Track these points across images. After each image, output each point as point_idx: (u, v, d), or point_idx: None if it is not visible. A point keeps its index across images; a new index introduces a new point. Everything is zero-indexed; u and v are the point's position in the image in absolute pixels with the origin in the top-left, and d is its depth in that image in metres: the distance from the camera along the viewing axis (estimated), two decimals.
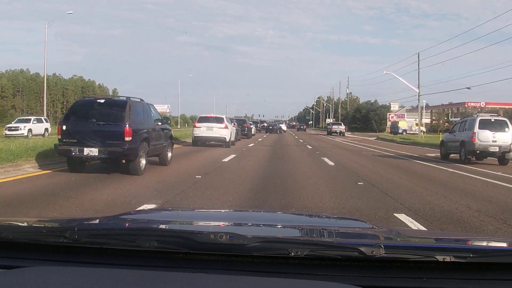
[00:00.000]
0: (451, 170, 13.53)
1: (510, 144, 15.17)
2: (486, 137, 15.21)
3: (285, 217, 2.90)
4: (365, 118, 78.88)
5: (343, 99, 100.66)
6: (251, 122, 46.38)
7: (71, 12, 43.55)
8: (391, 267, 1.44)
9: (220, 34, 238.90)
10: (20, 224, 1.86)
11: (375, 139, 44.33)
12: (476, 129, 15.36)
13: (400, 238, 1.96)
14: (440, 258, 1.41)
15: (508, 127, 15.55)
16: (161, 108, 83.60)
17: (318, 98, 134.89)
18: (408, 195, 8.16)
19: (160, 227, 1.97)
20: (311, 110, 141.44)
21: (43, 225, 1.85)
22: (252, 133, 39.55)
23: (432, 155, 19.94)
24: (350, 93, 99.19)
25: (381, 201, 7.44)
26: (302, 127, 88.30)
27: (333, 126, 55.87)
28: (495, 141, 15.30)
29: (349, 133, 62.38)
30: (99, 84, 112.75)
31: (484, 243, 1.87)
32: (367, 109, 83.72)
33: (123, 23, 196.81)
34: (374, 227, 2.24)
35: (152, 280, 1.30)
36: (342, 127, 54.45)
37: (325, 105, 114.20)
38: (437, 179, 11.29)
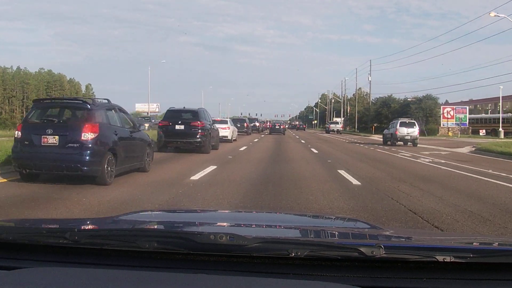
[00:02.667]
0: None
1: (417, 135, 28.32)
2: (403, 131, 28.00)
3: (285, 217, 2.90)
4: (401, 113, 55.49)
5: (364, 92, 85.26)
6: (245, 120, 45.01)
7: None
8: (391, 268, 1.44)
9: (221, 34, 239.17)
10: (20, 225, 1.87)
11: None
12: (398, 126, 28.22)
13: (400, 239, 1.96)
14: (440, 258, 1.41)
15: (416, 126, 28.91)
16: (150, 107, 79.15)
17: (322, 95, 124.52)
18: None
19: (160, 227, 1.97)
20: (314, 108, 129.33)
21: (43, 226, 1.85)
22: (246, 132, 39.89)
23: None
24: (360, 88, 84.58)
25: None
26: (301, 126, 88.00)
27: (331, 125, 65.60)
28: (408, 133, 27.87)
29: (361, 134, 54.62)
30: (70, 79, 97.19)
31: (484, 244, 1.88)
32: (403, 103, 61.26)
33: (123, 23, 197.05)
34: (374, 227, 2.25)
35: (152, 281, 1.30)
36: (339, 126, 65.57)
37: (333, 100, 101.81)
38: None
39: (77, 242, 1.52)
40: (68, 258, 1.53)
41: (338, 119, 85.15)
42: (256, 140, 31.18)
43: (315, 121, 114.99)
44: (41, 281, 1.28)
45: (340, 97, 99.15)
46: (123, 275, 1.37)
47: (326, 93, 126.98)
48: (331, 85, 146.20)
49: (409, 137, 27.70)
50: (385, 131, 31.02)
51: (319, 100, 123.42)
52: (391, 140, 28.72)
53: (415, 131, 28.13)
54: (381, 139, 31.56)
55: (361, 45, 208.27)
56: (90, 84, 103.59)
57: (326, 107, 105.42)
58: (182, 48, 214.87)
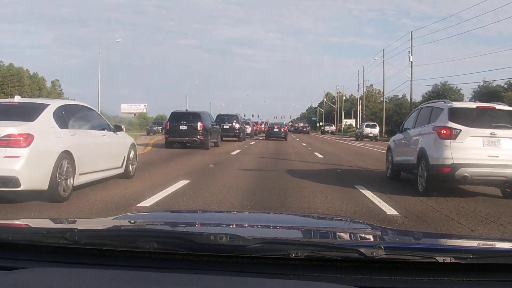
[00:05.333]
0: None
1: (377, 133, 42.53)
2: (367, 130, 42.00)
3: (285, 218, 2.90)
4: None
5: (375, 90, 79.09)
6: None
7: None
8: (391, 268, 1.44)
9: (221, 36, 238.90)
10: (20, 225, 1.87)
11: None
12: (364, 127, 43.29)
13: (400, 239, 1.96)
14: (440, 259, 1.41)
15: (376, 127, 43.69)
16: (137, 108, 77.84)
17: (327, 93, 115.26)
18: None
19: (160, 228, 1.97)
20: (319, 108, 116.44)
21: (43, 226, 1.85)
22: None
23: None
24: (371, 85, 78.30)
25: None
26: (304, 128, 71.91)
27: (326, 127, 72.84)
28: (371, 132, 41.88)
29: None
30: (34, 74, 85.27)
31: (485, 244, 1.87)
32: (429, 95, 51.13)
33: (123, 26, 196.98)
34: (374, 227, 2.25)
35: (151, 281, 1.30)
36: (332, 127, 72.54)
37: (344, 98, 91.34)
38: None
39: (77, 242, 1.51)
40: (68, 258, 1.53)
41: (350, 120, 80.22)
42: (236, 152, 18.85)
43: (321, 123, 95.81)
44: (41, 282, 1.28)
45: (345, 96, 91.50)
46: (122, 275, 1.37)
47: (330, 92, 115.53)
48: (331, 87, 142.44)
49: (372, 135, 41.93)
50: (358, 130, 46.87)
51: (325, 99, 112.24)
52: (360, 136, 42.65)
53: (375, 130, 42.92)
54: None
55: (362, 47, 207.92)
56: (58, 80, 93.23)
57: (335, 106, 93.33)
58: (182, 50, 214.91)
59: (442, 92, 51.96)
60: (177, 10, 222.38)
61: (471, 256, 1.43)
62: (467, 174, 7.39)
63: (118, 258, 1.52)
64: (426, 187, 7.76)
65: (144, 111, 79.91)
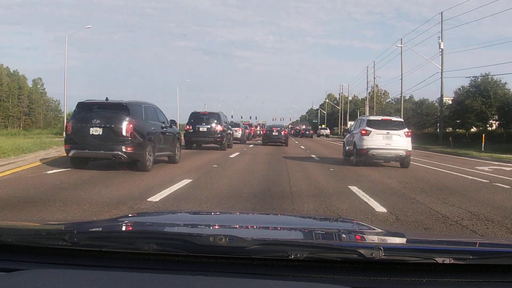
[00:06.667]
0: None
1: (329, 133, 74.71)
2: (321, 131, 73.88)
3: (284, 219, 2.90)
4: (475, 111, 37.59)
5: (381, 91, 68.96)
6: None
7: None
8: (390, 269, 1.44)
9: (220, 39, 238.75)
10: (19, 226, 1.87)
11: None
12: (319, 130, 76.57)
13: (399, 240, 1.97)
14: (439, 260, 1.42)
15: (327, 129, 79.04)
16: None
17: (329, 94, 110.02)
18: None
19: (159, 229, 1.97)
20: (320, 110, 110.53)
21: (42, 228, 1.85)
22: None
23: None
24: (377, 85, 64.68)
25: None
26: (307, 132, 64.08)
27: (321, 130, 76.44)
28: (324, 132, 73.14)
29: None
30: (14, 71, 79.88)
31: (484, 245, 1.87)
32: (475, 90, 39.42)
33: (123, 27, 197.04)
34: (374, 229, 2.25)
35: (151, 283, 1.30)
36: (327, 131, 76.06)
37: (351, 98, 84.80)
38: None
39: (76, 244, 1.51)
40: (67, 260, 1.52)
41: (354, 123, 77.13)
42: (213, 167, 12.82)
43: (323, 125, 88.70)
44: (41, 283, 1.28)
45: (349, 97, 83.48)
46: (122, 277, 1.37)
47: (332, 93, 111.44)
48: (331, 89, 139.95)
49: (325, 134, 69.86)
50: (317, 131, 72.81)
51: (327, 99, 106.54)
52: (319, 135, 68.47)
53: (327, 130, 73.21)
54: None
55: (361, 50, 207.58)
56: (41, 79, 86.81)
57: (338, 107, 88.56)
58: (182, 52, 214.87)
59: (484, 87, 38.88)
60: (176, 12, 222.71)
61: (470, 257, 1.43)
62: (374, 153, 14.14)
63: (117, 259, 1.52)
64: (356, 161, 14.64)
65: None
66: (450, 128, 44.54)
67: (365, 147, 13.98)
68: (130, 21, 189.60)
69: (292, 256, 1.42)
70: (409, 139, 14.42)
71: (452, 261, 1.41)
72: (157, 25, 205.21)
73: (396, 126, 14.56)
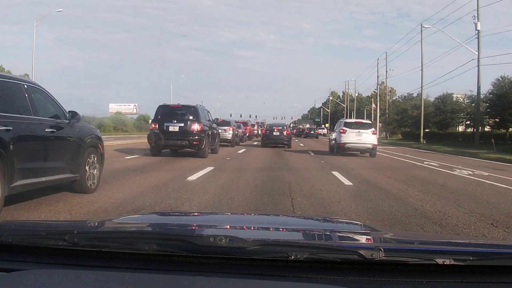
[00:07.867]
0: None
1: (326, 132, 70.75)
2: (318, 131, 66.82)
3: (285, 220, 2.89)
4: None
5: (388, 88, 60.98)
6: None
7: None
8: (390, 270, 1.44)
9: (221, 38, 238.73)
10: (19, 227, 1.87)
11: None
12: (316, 129, 70.11)
13: (399, 241, 1.96)
14: (439, 261, 1.41)
15: (324, 129, 76.81)
16: (127, 108, 74.38)
17: (332, 92, 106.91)
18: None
19: (159, 230, 1.97)
20: (323, 108, 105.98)
21: (42, 228, 1.84)
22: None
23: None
24: (382, 82, 60.36)
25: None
26: (312, 131, 59.74)
27: (319, 130, 73.58)
28: (321, 132, 69.98)
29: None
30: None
31: (484, 246, 1.87)
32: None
33: (124, 27, 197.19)
34: (374, 229, 2.25)
35: (151, 283, 1.30)
36: (324, 130, 76.06)
37: (357, 94, 79.42)
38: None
39: (77, 244, 1.51)
40: (67, 260, 1.52)
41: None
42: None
43: (327, 124, 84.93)
44: (40, 283, 1.28)
45: (351, 95, 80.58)
46: (122, 277, 1.37)
47: (335, 91, 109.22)
48: (332, 88, 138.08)
49: (316, 134, 61.53)
50: (305, 133, 66.21)
51: (330, 97, 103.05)
52: (304, 134, 60.95)
53: (324, 130, 69.59)
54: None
55: (362, 50, 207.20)
56: (27, 75, 78.11)
57: (343, 105, 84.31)
58: (183, 52, 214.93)
59: None
60: (177, 12, 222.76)
61: (471, 258, 1.43)
62: (349, 146, 20.04)
63: (117, 260, 1.52)
64: (336, 152, 20.75)
65: (134, 111, 75.18)
66: (487, 127, 37.65)
67: (342, 142, 20.03)
68: (130, 21, 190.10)
69: (292, 257, 1.42)
70: (375, 136, 20.36)
71: (452, 262, 1.41)
72: (158, 25, 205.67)
73: (366, 126, 20.57)
